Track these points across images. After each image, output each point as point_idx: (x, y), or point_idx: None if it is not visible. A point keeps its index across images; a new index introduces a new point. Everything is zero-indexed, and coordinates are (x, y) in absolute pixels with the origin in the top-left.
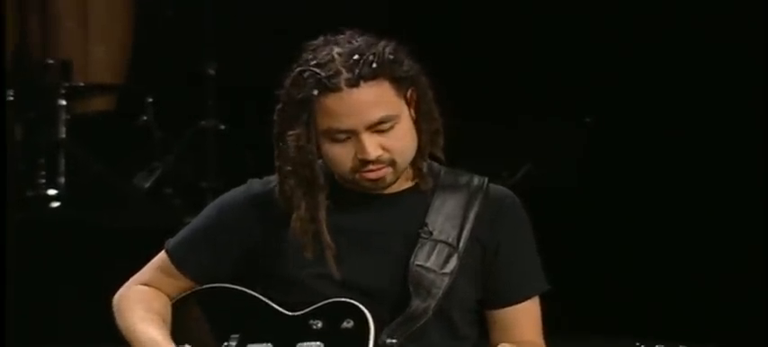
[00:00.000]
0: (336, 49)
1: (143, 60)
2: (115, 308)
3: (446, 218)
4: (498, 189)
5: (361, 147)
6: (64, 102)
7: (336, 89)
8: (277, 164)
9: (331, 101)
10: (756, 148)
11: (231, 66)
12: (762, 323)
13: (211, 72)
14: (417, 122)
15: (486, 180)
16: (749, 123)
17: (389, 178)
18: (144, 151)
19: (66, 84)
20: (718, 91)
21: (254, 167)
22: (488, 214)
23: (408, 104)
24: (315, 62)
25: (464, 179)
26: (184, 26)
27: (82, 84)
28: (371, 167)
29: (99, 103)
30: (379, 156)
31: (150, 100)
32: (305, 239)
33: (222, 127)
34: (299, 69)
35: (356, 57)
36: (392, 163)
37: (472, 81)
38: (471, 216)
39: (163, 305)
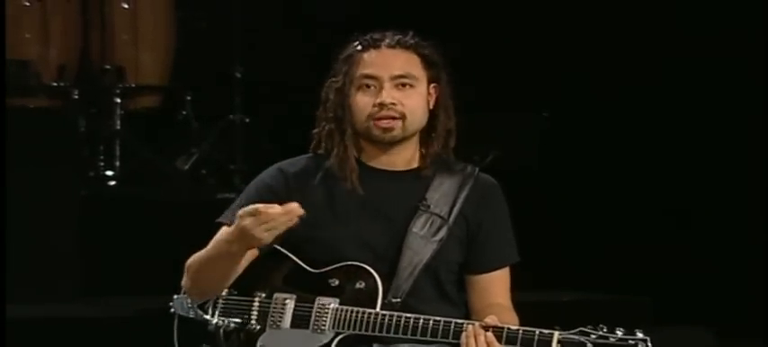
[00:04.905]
0: (387, 30)
1: (183, 65)
2: (189, 276)
3: (441, 196)
4: (485, 176)
5: (380, 93)
6: (119, 100)
7: (376, 46)
8: (321, 116)
9: (369, 54)
10: (703, 131)
11: (255, 69)
12: (695, 281)
13: (238, 74)
14: (435, 112)
15: (477, 169)
16: (695, 111)
17: (397, 132)
18: (184, 139)
19: (121, 86)
20: (655, 84)
21: (273, 152)
22: (476, 196)
23: (429, 91)
24: (368, 34)
25: (459, 166)
26: (216, 36)
27: (133, 85)
28: (384, 114)
29: (147, 101)
30: (393, 105)
31: (189, 97)
32: (344, 172)
33: (247, 120)
34: (352, 39)
35: (401, 33)
36: (402, 117)
37: (451, 78)
38: (462, 196)
39: None
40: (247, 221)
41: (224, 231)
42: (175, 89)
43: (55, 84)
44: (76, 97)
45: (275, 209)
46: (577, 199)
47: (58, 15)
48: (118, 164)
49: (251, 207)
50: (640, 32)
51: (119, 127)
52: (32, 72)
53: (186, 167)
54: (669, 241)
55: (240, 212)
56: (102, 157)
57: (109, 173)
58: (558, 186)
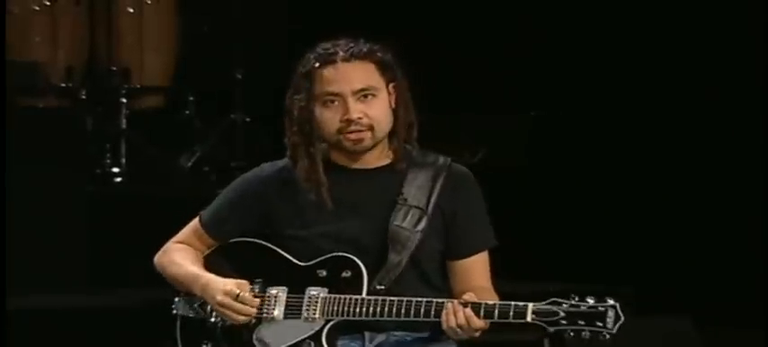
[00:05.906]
0: (339, 41)
1: (186, 67)
2: (160, 262)
3: (418, 188)
4: (458, 167)
5: (345, 109)
6: (124, 100)
7: (333, 62)
8: (287, 128)
9: (327, 71)
10: (683, 123)
11: (254, 71)
12: (677, 271)
13: (239, 76)
14: (396, 111)
15: (450, 159)
16: (673, 103)
17: (367, 142)
18: (187, 138)
19: (126, 86)
20: (635, 78)
21: (272, 150)
22: (449, 186)
23: (389, 92)
24: (320, 47)
25: (432, 158)
26: (218, 40)
27: (138, 86)
28: (353, 129)
29: (152, 101)
30: (360, 119)
31: (191, 98)
32: (309, 184)
33: (248, 119)
34: (307, 53)
35: (352, 43)
36: (371, 128)
37: (443, 81)
38: (437, 186)
39: (196, 255)
40: (225, 300)
41: (196, 274)
42: (179, 89)
43: (63, 84)
44: (84, 97)
45: (255, 304)
46: (562, 192)
47: (67, 19)
48: (124, 161)
49: (235, 290)
50: (623, 32)
51: (124, 126)
52: (41, 73)
53: (189, 165)
54: (651, 231)
55: (225, 288)
56: (108, 155)
57: (115, 170)
58: (542, 180)
